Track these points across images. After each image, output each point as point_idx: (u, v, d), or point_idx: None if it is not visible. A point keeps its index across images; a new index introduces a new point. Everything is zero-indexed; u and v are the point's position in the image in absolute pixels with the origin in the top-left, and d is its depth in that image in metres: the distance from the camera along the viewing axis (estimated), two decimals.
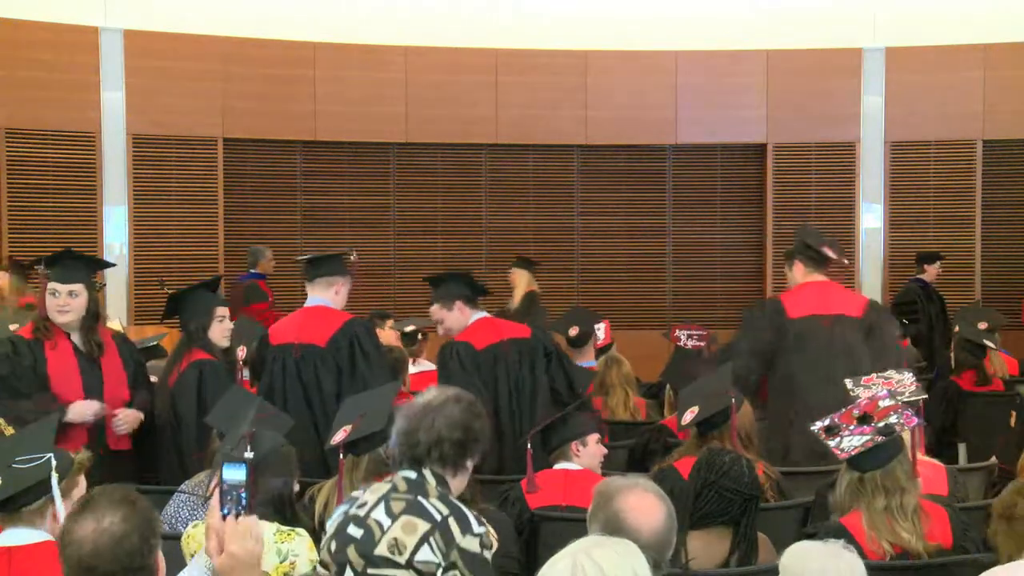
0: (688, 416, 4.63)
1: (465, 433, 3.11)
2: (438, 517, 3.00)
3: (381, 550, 2.99)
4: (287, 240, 11.40)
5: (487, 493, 4.27)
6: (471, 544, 2.98)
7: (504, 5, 11.49)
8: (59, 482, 3.16)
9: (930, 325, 10.04)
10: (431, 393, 3.20)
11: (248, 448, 3.45)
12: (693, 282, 12.01)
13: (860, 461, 3.68)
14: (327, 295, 5.59)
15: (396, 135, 11.48)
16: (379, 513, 3.05)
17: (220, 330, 5.44)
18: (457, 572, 2.95)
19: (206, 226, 10.96)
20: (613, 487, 2.89)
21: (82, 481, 3.33)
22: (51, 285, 5.06)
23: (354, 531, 3.07)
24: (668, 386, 6.72)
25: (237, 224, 11.20)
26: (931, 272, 10.79)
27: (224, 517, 2.78)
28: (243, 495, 2.81)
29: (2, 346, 5.01)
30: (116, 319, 8.86)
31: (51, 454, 3.15)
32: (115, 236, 10.72)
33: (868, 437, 3.66)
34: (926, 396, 4.86)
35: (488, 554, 3.00)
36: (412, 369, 7.35)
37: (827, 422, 3.77)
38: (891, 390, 4.23)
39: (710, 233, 11.99)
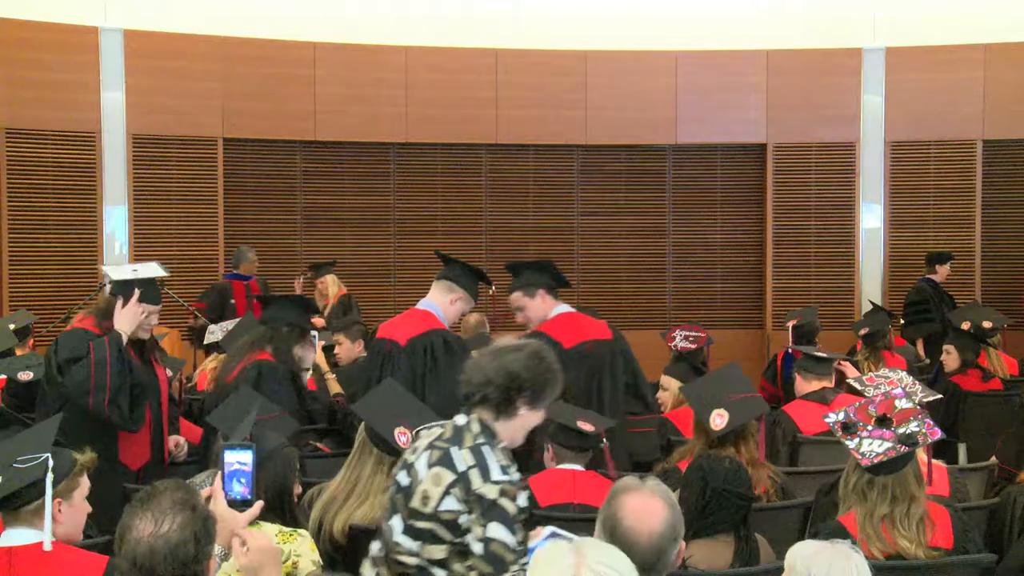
0: (719, 421, 4.55)
1: (510, 379, 3.18)
2: (462, 468, 3.10)
3: (415, 502, 3.13)
4: (287, 240, 11.42)
5: None
6: (488, 491, 3.06)
7: (504, 5, 11.49)
8: (58, 483, 3.16)
9: (943, 324, 10.02)
10: (506, 340, 3.31)
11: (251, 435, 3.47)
12: (693, 282, 12.01)
13: (877, 465, 3.67)
14: (440, 301, 5.48)
15: (396, 135, 11.48)
16: (421, 462, 3.19)
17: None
18: (473, 515, 3.05)
19: (206, 226, 10.96)
20: (623, 486, 2.89)
21: (85, 482, 3.33)
22: (147, 307, 5.15)
23: (403, 478, 3.22)
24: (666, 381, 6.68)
25: (237, 224, 11.20)
26: (942, 272, 10.76)
27: (230, 502, 2.81)
28: (248, 478, 2.83)
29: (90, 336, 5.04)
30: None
31: (48, 454, 3.15)
32: (115, 236, 10.72)
33: (890, 445, 3.62)
34: (941, 396, 4.85)
35: (507, 502, 3.06)
36: None
37: (840, 416, 3.75)
38: (901, 390, 4.21)
39: (710, 233, 11.98)
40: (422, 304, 5.52)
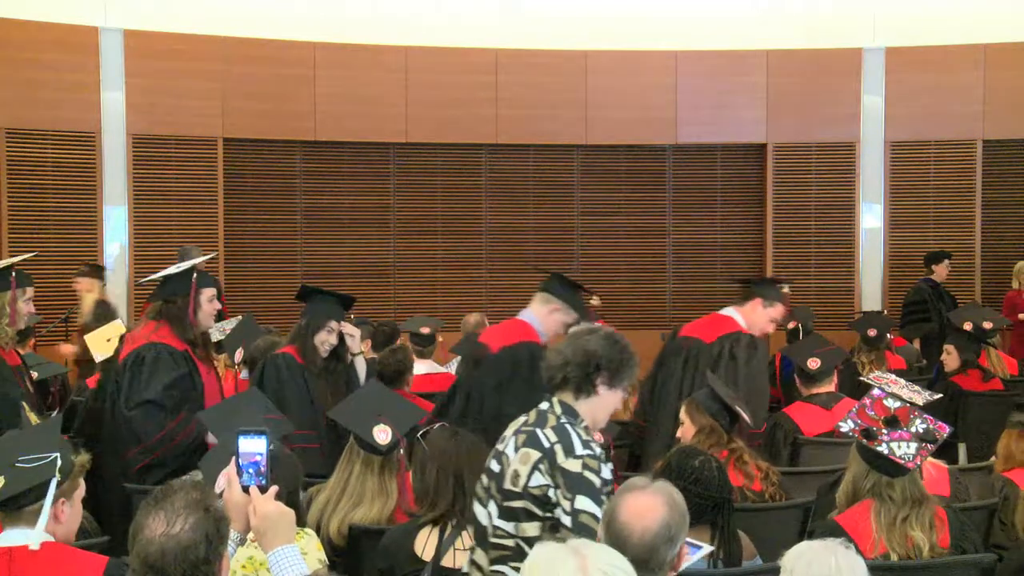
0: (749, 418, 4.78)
1: (587, 357, 3.34)
2: (547, 445, 3.29)
3: (507, 483, 3.32)
4: (287, 240, 11.41)
5: None
6: (572, 465, 3.23)
7: (504, 5, 11.49)
8: (61, 483, 3.15)
9: (941, 324, 10.01)
10: (580, 326, 3.54)
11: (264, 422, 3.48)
12: (693, 282, 12.00)
13: (896, 467, 3.69)
14: (539, 312, 5.60)
15: (396, 135, 11.47)
16: (509, 448, 3.38)
17: (323, 338, 5.60)
18: (560, 489, 3.23)
19: (206, 226, 10.95)
20: (631, 484, 2.94)
21: (82, 483, 3.32)
22: (209, 291, 5.21)
23: (495, 466, 3.41)
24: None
25: (237, 224, 11.19)
26: (940, 272, 10.76)
27: (245, 489, 2.81)
28: (262, 465, 2.83)
29: (177, 363, 5.09)
30: (116, 319, 8.86)
31: (57, 453, 3.14)
32: (115, 236, 10.72)
33: (918, 445, 3.67)
34: (941, 395, 4.88)
35: (592, 475, 3.21)
36: (420, 369, 7.36)
37: (851, 424, 3.77)
38: (890, 388, 4.22)
39: (710, 233, 11.98)
40: (522, 315, 5.68)
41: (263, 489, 2.84)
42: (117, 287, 10.58)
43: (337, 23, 11.20)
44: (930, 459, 4.44)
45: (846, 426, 3.80)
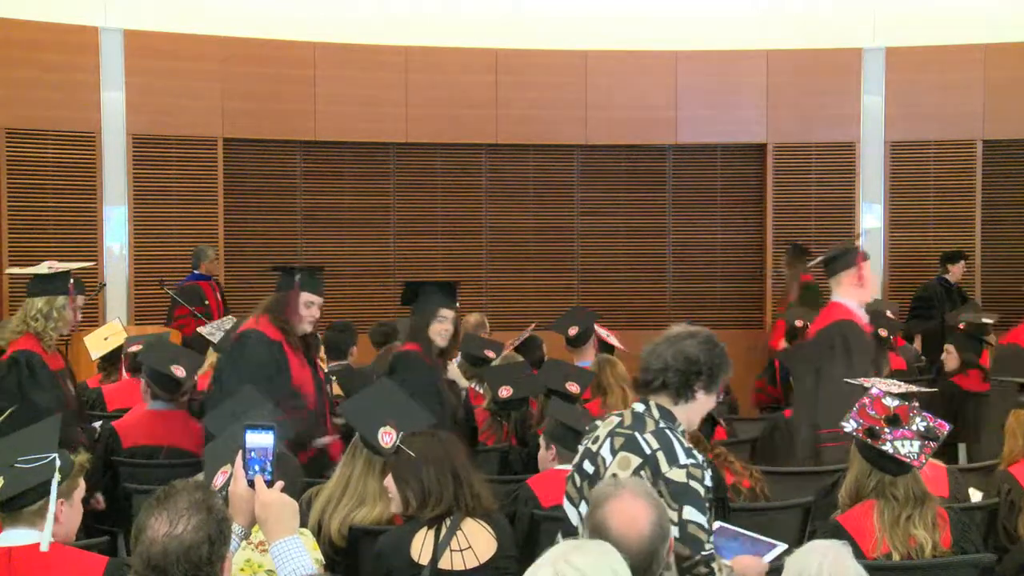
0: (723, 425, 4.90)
1: (688, 363, 3.29)
2: (648, 451, 3.22)
3: None
4: (287, 240, 11.41)
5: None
6: (676, 475, 3.16)
7: (504, 5, 11.48)
8: (60, 483, 3.15)
9: (942, 324, 10.00)
10: (678, 328, 3.45)
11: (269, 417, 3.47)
12: (693, 282, 12.00)
13: (898, 465, 3.69)
14: (840, 292, 5.69)
15: (396, 135, 11.47)
16: (605, 449, 3.32)
17: (438, 329, 5.64)
18: (664, 499, 3.09)
19: (206, 226, 10.95)
20: (603, 492, 2.92)
21: (82, 483, 3.32)
22: (309, 296, 5.37)
23: (588, 467, 3.35)
24: None
25: (237, 224, 11.19)
26: (955, 272, 10.77)
27: (250, 482, 2.82)
28: (269, 459, 2.83)
29: (263, 347, 5.24)
30: (116, 319, 8.85)
31: (55, 454, 3.14)
32: (115, 236, 10.71)
33: (921, 443, 3.67)
34: (929, 390, 4.88)
35: (697, 484, 3.16)
36: None
37: (853, 424, 3.77)
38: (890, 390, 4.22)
39: (710, 233, 11.98)
40: (833, 298, 5.82)
41: (269, 484, 2.85)
42: (117, 287, 10.58)
43: (337, 23, 11.20)
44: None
45: (849, 426, 3.80)
